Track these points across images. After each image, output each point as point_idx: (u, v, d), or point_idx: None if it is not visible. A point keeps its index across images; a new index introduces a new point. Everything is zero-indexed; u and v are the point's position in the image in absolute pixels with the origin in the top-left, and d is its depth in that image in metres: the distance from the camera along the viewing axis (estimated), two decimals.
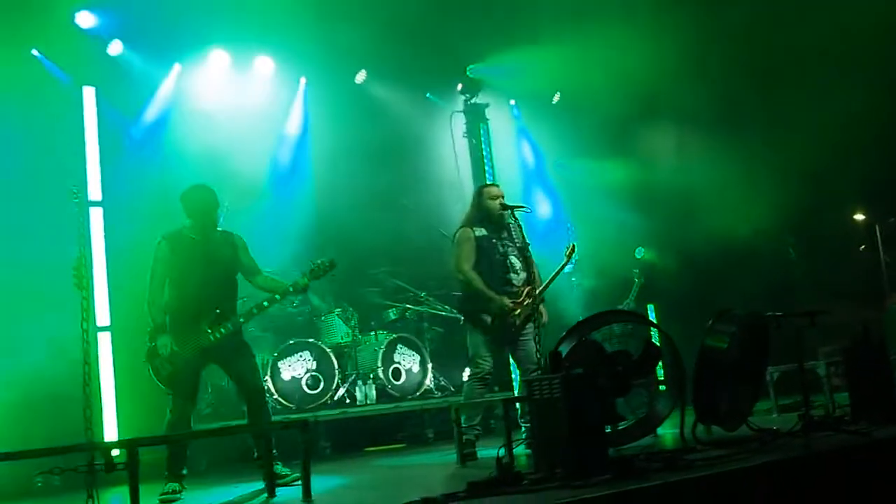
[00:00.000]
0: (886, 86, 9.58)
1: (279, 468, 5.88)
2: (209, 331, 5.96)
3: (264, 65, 10.13)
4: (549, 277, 6.81)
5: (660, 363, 6.54)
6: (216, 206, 6.31)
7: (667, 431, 6.74)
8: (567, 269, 7.05)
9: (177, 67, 9.51)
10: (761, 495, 4.45)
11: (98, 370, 7.88)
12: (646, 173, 11.51)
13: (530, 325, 6.64)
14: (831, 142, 10.01)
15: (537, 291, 6.69)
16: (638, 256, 10.09)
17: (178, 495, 5.64)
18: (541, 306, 6.68)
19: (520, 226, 6.90)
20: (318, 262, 6.40)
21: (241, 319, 6.12)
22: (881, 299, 11.86)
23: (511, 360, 6.88)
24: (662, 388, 7.62)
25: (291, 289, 6.31)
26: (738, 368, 5.91)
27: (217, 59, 9.75)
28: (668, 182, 11.36)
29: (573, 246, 6.96)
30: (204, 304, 6.02)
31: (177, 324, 5.99)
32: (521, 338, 6.68)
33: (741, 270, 10.35)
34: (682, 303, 10.53)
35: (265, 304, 6.20)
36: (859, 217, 12.51)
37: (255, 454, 6.04)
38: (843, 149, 10.03)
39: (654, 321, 7.44)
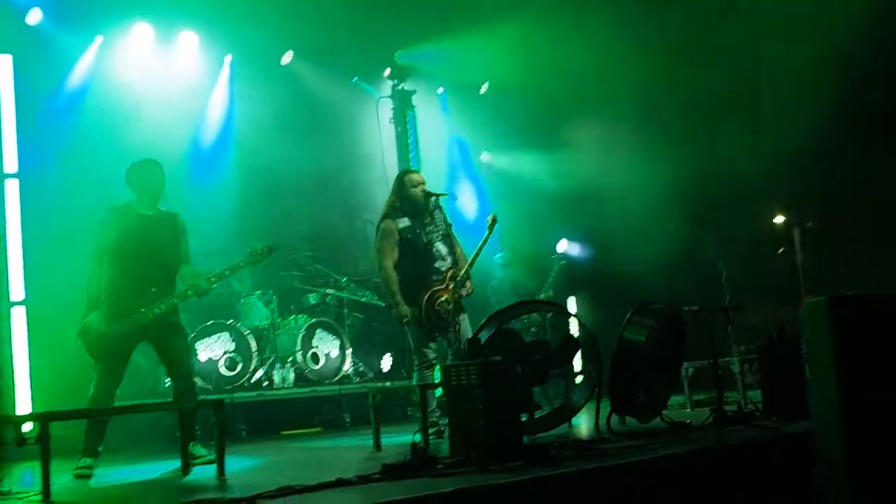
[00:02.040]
0: (813, 90, 9.83)
1: (197, 448, 5.77)
2: (143, 310, 5.80)
3: (189, 40, 9.92)
4: (474, 252, 6.80)
5: (578, 354, 6.59)
6: (163, 183, 6.13)
7: (581, 422, 6.82)
8: (492, 239, 6.99)
9: (99, 39, 9.25)
10: (672, 485, 4.53)
11: (11, 345, 7.63)
12: (570, 166, 11.62)
13: (464, 308, 6.72)
14: (756, 144, 10.25)
15: (463, 269, 6.71)
16: (559, 249, 10.17)
17: (92, 471, 5.49)
18: (467, 281, 6.72)
19: (443, 211, 6.90)
20: (257, 247, 6.27)
21: (176, 300, 5.97)
22: (796, 301, 12.23)
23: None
24: (579, 379, 7.71)
25: (227, 272, 6.17)
26: (655, 361, 6.02)
27: (140, 32, 9.51)
28: (591, 175, 11.49)
29: (493, 217, 6.88)
30: (143, 283, 5.86)
31: (113, 300, 5.81)
32: (456, 322, 6.69)
33: (661, 266, 10.52)
34: (602, 295, 10.67)
35: (189, 292, 6.04)
36: (779, 220, 12.87)
37: (178, 433, 5.91)
38: (768, 152, 10.27)
39: (574, 312, 7.52)
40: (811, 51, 9.65)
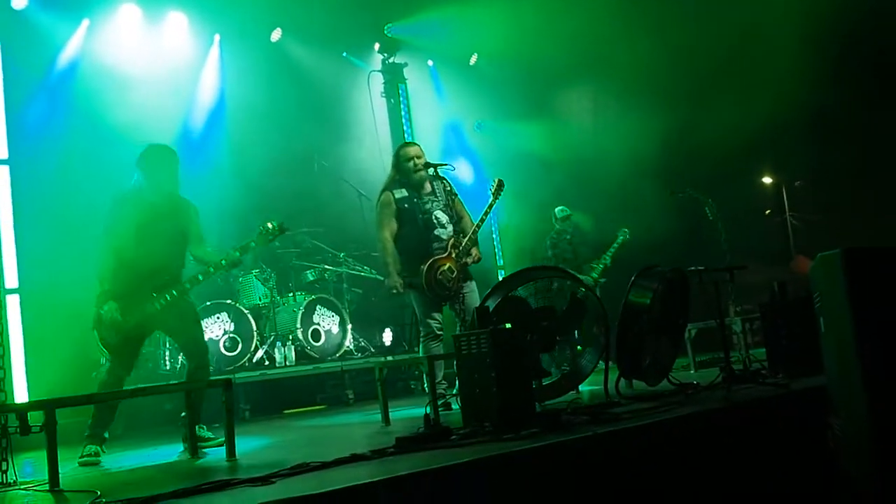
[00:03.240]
0: (797, 55, 9.80)
1: (203, 431, 5.73)
2: (155, 296, 5.73)
3: (177, 20, 9.79)
4: (479, 217, 6.76)
5: (583, 319, 6.57)
6: (177, 169, 6.04)
7: (589, 387, 6.81)
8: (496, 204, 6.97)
9: (85, 22, 9.11)
10: (685, 446, 4.52)
11: (7, 333, 7.55)
12: (564, 135, 11.57)
13: (471, 278, 6.72)
14: (745, 105, 10.22)
15: (467, 236, 6.69)
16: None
17: (98, 458, 5.45)
18: (472, 248, 6.70)
19: (446, 181, 6.86)
20: (268, 226, 6.16)
21: (188, 285, 5.89)
22: (788, 260, 12.27)
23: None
24: (582, 345, 7.70)
25: (238, 253, 6.08)
26: (661, 324, 6.01)
27: (127, 14, 9.38)
28: (583, 143, 11.46)
29: (499, 181, 6.83)
30: (155, 269, 5.77)
31: (124, 288, 5.71)
32: (463, 291, 6.66)
33: (661, 230, 10.50)
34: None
35: (211, 269, 5.96)
36: (767, 180, 12.87)
37: (182, 417, 5.86)
38: (757, 113, 10.25)
39: (580, 277, 7.51)
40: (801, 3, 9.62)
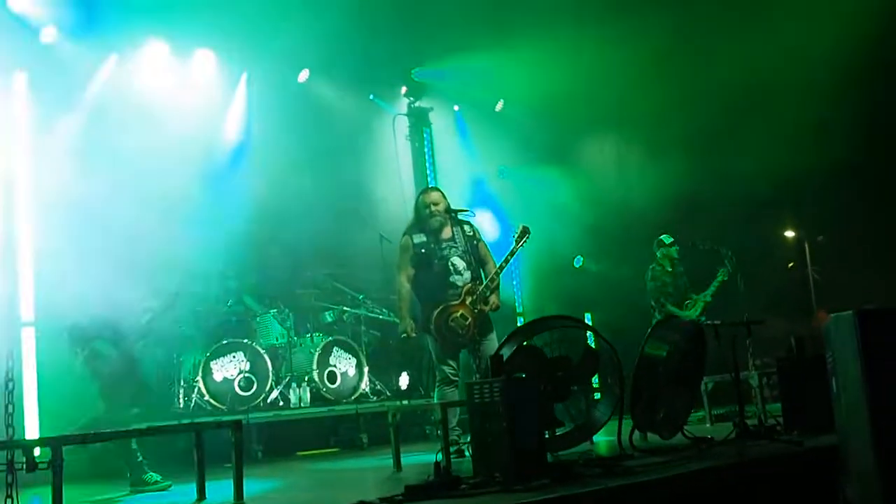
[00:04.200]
0: (827, 104, 9.81)
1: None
2: None
3: (205, 58, 9.92)
4: (500, 264, 6.77)
5: (598, 370, 6.53)
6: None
7: (603, 438, 6.75)
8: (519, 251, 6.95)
9: (113, 57, 9.24)
10: (698, 501, 4.47)
11: (21, 366, 7.59)
12: (587, 184, 11.60)
13: (492, 327, 6.74)
14: (768, 159, 10.21)
15: (485, 283, 6.71)
16: (577, 265, 10.10)
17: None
18: (491, 296, 6.70)
19: (468, 225, 6.88)
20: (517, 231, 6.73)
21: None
22: (809, 315, 12.14)
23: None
24: (597, 395, 7.64)
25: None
26: (677, 376, 5.96)
27: (155, 50, 9.49)
28: (609, 192, 11.46)
29: (524, 227, 6.84)
30: None
31: None
32: (480, 338, 6.66)
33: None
34: (620, 312, 10.61)
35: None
36: (789, 234, 12.79)
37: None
38: (780, 167, 10.24)
39: (593, 327, 7.47)
40: (825, 63, 9.64)
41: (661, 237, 9.55)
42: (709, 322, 6.01)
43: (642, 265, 9.86)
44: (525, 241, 6.84)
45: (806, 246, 12.24)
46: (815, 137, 10.08)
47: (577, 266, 10.14)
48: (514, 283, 12.14)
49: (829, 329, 4.12)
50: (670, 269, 9.47)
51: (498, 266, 6.77)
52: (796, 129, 10.17)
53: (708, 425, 7.76)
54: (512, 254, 6.80)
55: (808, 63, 9.85)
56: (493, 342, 6.69)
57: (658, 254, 9.52)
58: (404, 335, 6.74)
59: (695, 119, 10.62)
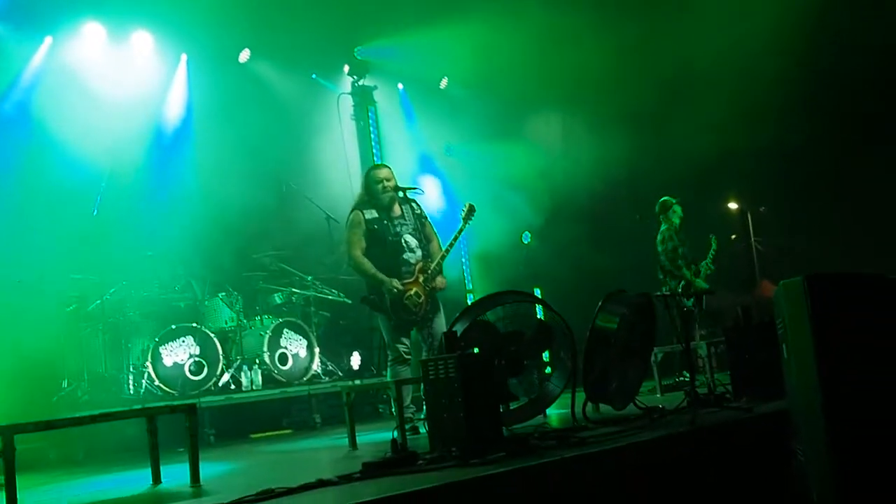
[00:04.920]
0: (763, 81, 9.97)
1: None
2: None
3: (142, 40, 9.73)
4: (448, 242, 6.75)
5: (551, 344, 6.59)
6: None
7: (556, 411, 6.82)
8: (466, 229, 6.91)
9: (48, 40, 9.02)
10: (651, 469, 4.55)
11: None
12: (533, 160, 11.65)
13: (440, 306, 6.71)
14: (711, 131, 10.36)
15: (435, 261, 6.69)
16: (525, 241, 10.15)
17: None
18: (438, 276, 6.69)
19: (416, 205, 6.86)
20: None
21: None
22: (753, 285, 12.40)
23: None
24: (550, 369, 7.71)
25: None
26: (627, 348, 6.04)
27: (92, 33, 9.29)
28: (555, 168, 11.53)
29: (470, 206, 6.81)
30: None
31: None
32: (431, 316, 6.64)
33: (627, 255, 10.59)
34: (570, 286, 10.71)
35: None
36: (732, 206, 13.01)
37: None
38: (723, 138, 10.39)
39: (545, 301, 7.53)
40: (769, 27, 9.80)
41: (665, 198, 9.29)
42: (658, 293, 6.08)
43: (589, 239, 9.95)
44: (471, 219, 6.83)
45: (749, 217, 12.48)
46: (755, 111, 10.25)
47: (525, 242, 10.17)
48: (464, 260, 12.19)
49: (779, 295, 4.18)
50: (679, 232, 9.19)
51: (447, 244, 6.75)
52: (737, 104, 10.32)
53: (659, 395, 7.88)
54: (460, 232, 6.78)
55: (752, 38, 10.00)
56: (442, 320, 6.70)
57: (664, 216, 9.24)
58: (397, 290, 6.50)
59: (639, 93, 10.74)
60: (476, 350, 5.07)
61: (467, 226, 6.83)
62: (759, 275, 12.50)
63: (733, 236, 13.13)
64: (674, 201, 9.22)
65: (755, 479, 4.83)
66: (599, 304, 6.02)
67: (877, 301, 3.96)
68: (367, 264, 6.60)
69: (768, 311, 5.06)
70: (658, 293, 6.08)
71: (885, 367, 3.91)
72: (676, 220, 9.15)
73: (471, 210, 6.81)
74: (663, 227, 9.18)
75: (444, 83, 12.11)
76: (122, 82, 9.28)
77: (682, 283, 8.82)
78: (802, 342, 3.93)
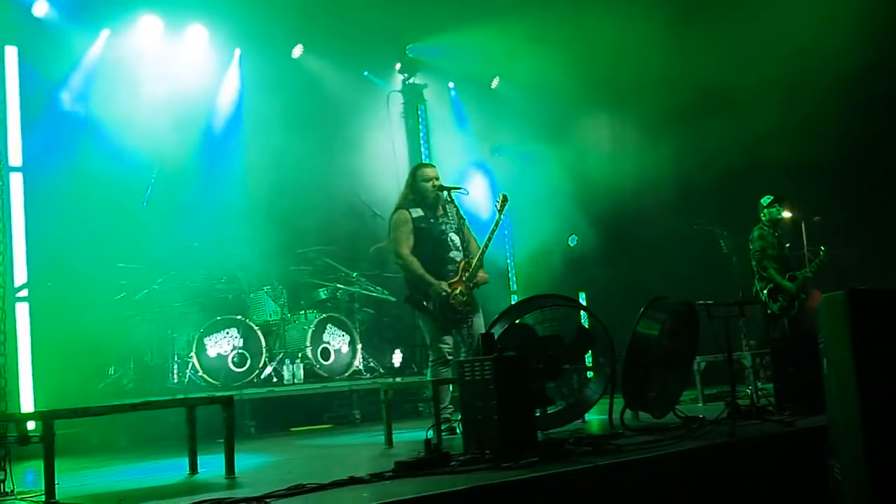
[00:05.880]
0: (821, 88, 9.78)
1: None
2: None
3: (197, 33, 9.84)
4: (487, 236, 6.71)
5: (590, 349, 6.53)
6: None
7: (594, 417, 6.76)
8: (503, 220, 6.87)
9: (105, 32, 9.18)
10: (687, 480, 4.48)
11: (16, 341, 7.58)
12: (583, 163, 11.56)
13: (479, 306, 6.70)
14: (764, 139, 10.19)
15: (477, 256, 6.66)
16: (571, 244, 10.08)
17: None
18: (480, 271, 6.66)
19: (456, 205, 6.85)
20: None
21: None
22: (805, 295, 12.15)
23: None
24: (590, 374, 7.65)
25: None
26: (668, 356, 5.96)
27: (148, 25, 9.42)
28: (603, 170, 11.42)
29: (504, 196, 6.75)
30: None
31: None
32: (472, 316, 6.62)
33: (673, 262, 10.46)
34: (614, 291, 10.61)
35: None
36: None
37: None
38: (769, 148, 10.23)
39: (586, 306, 7.47)
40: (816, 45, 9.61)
41: (762, 199, 9.19)
42: (700, 302, 5.99)
43: (635, 244, 9.84)
44: (505, 209, 6.76)
45: (802, 226, 12.23)
46: (811, 118, 10.04)
47: (572, 245, 10.10)
48: (509, 261, 12.15)
49: (821, 309, 4.11)
50: (774, 232, 9.06)
51: (486, 236, 6.69)
52: (796, 111, 10.14)
53: (700, 405, 7.77)
54: (496, 224, 6.70)
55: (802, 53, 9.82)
56: (481, 320, 6.67)
57: (764, 216, 9.11)
58: (444, 293, 6.48)
59: (697, 99, 10.59)
60: (513, 353, 5.02)
61: (503, 217, 6.78)
62: (810, 286, 12.26)
63: (787, 245, 12.90)
64: (765, 204, 9.11)
65: (792, 493, 4.74)
66: (641, 310, 5.95)
67: None
68: (416, 264, 6.59)
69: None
70: (701, 302, 5.97)
71: None
72: (771, 224, 9.04)
73: (504, 200, 6.75)
74: (759, 225, 9.08)
75: (495, 83, 12.07)
76: (176, 75, 9.38)
77: (770, 285, 8.73)
78: (842, 357, 3.85)
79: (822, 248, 9.16)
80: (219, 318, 8.57)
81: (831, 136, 10.25)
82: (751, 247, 9.00)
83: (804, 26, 9.70)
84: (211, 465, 5.26)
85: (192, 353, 8.28)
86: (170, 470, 5.44)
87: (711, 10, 10.24)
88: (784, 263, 9.01)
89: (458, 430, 6.24)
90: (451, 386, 6.53)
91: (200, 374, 8.28)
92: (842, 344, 3.86)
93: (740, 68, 10.19)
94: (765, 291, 8.63)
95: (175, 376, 8.46)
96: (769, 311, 8.60)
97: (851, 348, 3.80)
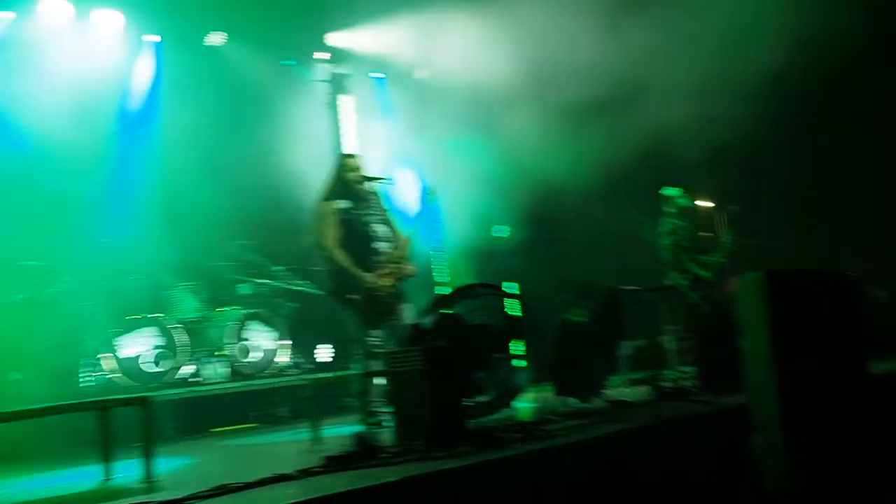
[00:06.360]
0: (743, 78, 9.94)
1: None
2: None
3: (111, 19, 9.49)
4: (413, 227, 6.63)
5: (519, 337, 6.52)
6: None
7: (523, 404, 6.74)
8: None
9: (9, 15, 8.78)
10: (616, 461, 4.52)
11: None
12: (509, 153, 11.56)
13: (406, 296, 6.61)
14: (683, 129, 10.33)
15: (403, 249, 6.59)
16: (499, 235, 10.06)
17: None
18: (406, 263, 6.59)
19: (381, 196, 6.76)
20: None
21: None
22: (723, 281, 12.40)
23: None
24: (519, 362, 7.65)
25: None
26: (596, 342, 6.01)
27: (57, 10, 9.03)
28: (530, 160, 11.44)
29: (431, 189, 6.71)
30: None
31: None
32: (398, 308, 6.53)
33: (599, 250, 10.54)
34: (541, 279, 10.64)
35: None
36: (702, 204, 13.01)
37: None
38: (692, 137, 10.37)
39: (516, 294, 7.47)
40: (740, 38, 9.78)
41: (673, 190, 9.16)
42: (627, 287, 6.05)
43: (564, 233, 9.90)
44: (432, 201, 6.70)
45: (717, 215, 12.47)
46: (727, 116, 10.21)
47: (500, 235, 10.08)
48: (436, 252, 12.08)
49: (739, 291, 4.22)
50: (685, 223, 9.02)
51: (412, 230, 6.63)
52: (709, 106, 10.29)
53: (627, 389, 7.84)
54: (423, 215, 6.65)
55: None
56: (408, 311, 6.60)
57: (667, 207, 9.09)
58: (372, 286, 6.36)
59: (618, 91, 10.68)
60: (443, 343, 4.97)
61: (430, 209, 6.72)
62: (728, 272, 12.52)
63: (702, 233, 13.15)
64: (675, 193, 9.11)
65: (714, 470, 4.83)
66: (569, 297, 5.97)
67: (832, 297, 4.03)
68: (342, 256, 6.47)
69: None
70: (627, 287, 6.03)
71: (839, 361, 3.97)
72: (677, 214, 9.03)
73: (431, 192, 6.70)
74: (666, 218, 9.06)
75: (421, 73, 11.98)
76: (86, 62, 9.03)
77: (688, 276, 8.80)
78: (760, 336, 3.97)
79: (729, 231, 9.23)
80: (136, 316, 8.29)
81: (747, 129, 10.45)
82: (665, 241, 9.00)
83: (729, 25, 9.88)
84: (127, 471, 5.05)
85: (106, 354, 8.00)
86: (83, 477, 5.21)
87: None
88: (698, 253, 9.04)
89: (387, 423, 6.15)
90: (379, 379, 6.45)
91: (116, 375, 7.99)
92: (759, 323, 3.98)
93: (665, 62, 10.30)
94: (684, 282, 8.73)
95: (90, 378, 8.16)
96: (690, 301, 8.70)
97: (768, 327, 3.92)
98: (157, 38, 9.92)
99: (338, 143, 11.28)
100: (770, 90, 10.07)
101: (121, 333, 8.11)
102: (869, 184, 10.97)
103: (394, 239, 6.67)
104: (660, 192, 9.17)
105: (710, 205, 12.47)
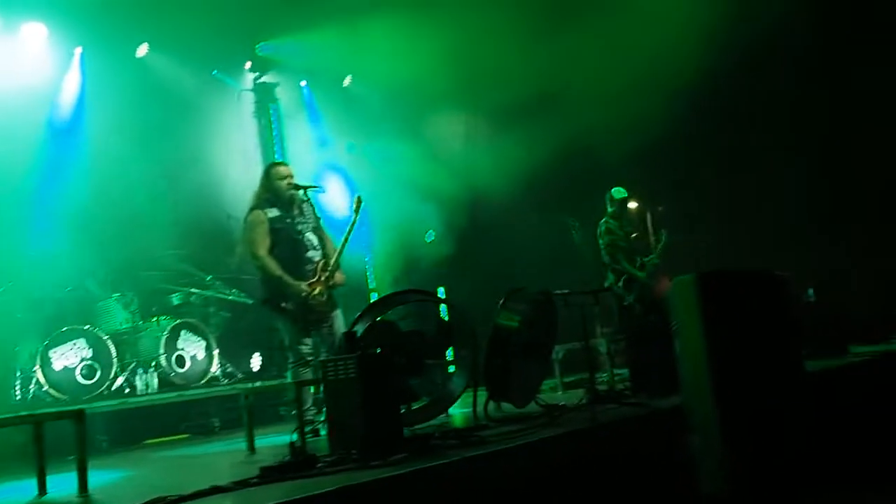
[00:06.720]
0: (667, 78, 10.15)
1: None
2: None
3: (35, 31, 9.31)
4: (343, 237, 6.64)
5: (452, 343, 6.58)
6: None
7: (458, 410, 6.81)
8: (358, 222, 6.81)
9: None
10: (552, 466, 4.58)
11: None
12: (437, 159, 11.64)
13: (338, 304, 6.60)
14: (611, 132, 10.52)
15: (334, 258, 6.58)
16: (428, 240, 10.13)
17: None
18: (336, 272, 6.59)
19: (312, 204, 6.76)
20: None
21: None
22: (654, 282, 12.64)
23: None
24: (452, 368, 7.71)
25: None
26: (528, 346, 6.08)
27: None
28: (458, 166, 11.54)
29: (359, 198, 6.70)
30: None
31: None
32: (330, 316, 6.54)
33: (529, 253, 10.66)
34: (472, 284, 10.74)
35: None
36: (632, 205, 13.25)
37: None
38: (618, 139, 10.56)
39: (448, 300, 7.52)
40: (666, 39, 9.98)
41: (612, 190, 9.23)
42: (558, 291, 6.14)
43: (493, 238, 9.99)
44: (360, 210, 6.72)
45: (647, 216, 12.72)
46: (656, 110, 10.41)
47: (429, 241, 10.15)
48: (367, 258, 12.10)
49: (672, 292, 4.28)
50: (621, 224, 9.14)
51: (342, 239, 6.64)
52: (636, 108, 10.49)
53: (560, 393, 7.97)
54: (352, 225, 6.63)
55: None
56: (341, 319, 6.62)
57: (609, 208, 9.19)
58: (303, 294, 6.38)
59: (543, 90, 10.81)
60: (377, 350, 5.00)
61: (359, 218, 6.73)
62: (660, 273, 12.75)
63: (634, 234, 13.37)
64: (617, 197, 9.20)
65: (651, 472, 4.91)
66: (500, 301, 6.04)
67: (763, 296, 4.11)
68: (274, 265, 6.46)
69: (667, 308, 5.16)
70: (558, 291, 6.12)
71: (773, 360, 4.05)
72: (618, 217, 9.15)
73: (359, 202, 6.71)
74: (605, 219, 9.17)
75: (347, 81, 12.00)
76: (10, 75, 8.85)
77: (624, 277, 8.91)
78: (694, 337, 4.03)
79: (662, 231, 9.43)
80: (65, 328, 8.12)
81: (674, 131, 10.70)
82: (600, 241, 9.14)
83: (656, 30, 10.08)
84: (62, 485, 4.97)
85: (37, 367, 7.83)
86: (15, 492, 5.12)
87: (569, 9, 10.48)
88: (633, 253, 9.23)
89: (322, 432, 6.16)
90: (312, 387, 6.45)
91: (46, 388, 7.84)
92: (693, 324, 4.04)
93: (591, 67, 10.47)
94: (619, 284, 8.87)
95: (18, 393, 7.98)
96: (625, 303, 8.84)
97: (702, 327, 3.99)
98: (80, 49, 9.74)
99: (268, 152, 11.22)
100: (689, 86, 10.32)
101: (51, 346, 7.95)
102: (791, 179, 11.32)
103: (325, 247, 6.68)
104: (609, 192, 9.30)
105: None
